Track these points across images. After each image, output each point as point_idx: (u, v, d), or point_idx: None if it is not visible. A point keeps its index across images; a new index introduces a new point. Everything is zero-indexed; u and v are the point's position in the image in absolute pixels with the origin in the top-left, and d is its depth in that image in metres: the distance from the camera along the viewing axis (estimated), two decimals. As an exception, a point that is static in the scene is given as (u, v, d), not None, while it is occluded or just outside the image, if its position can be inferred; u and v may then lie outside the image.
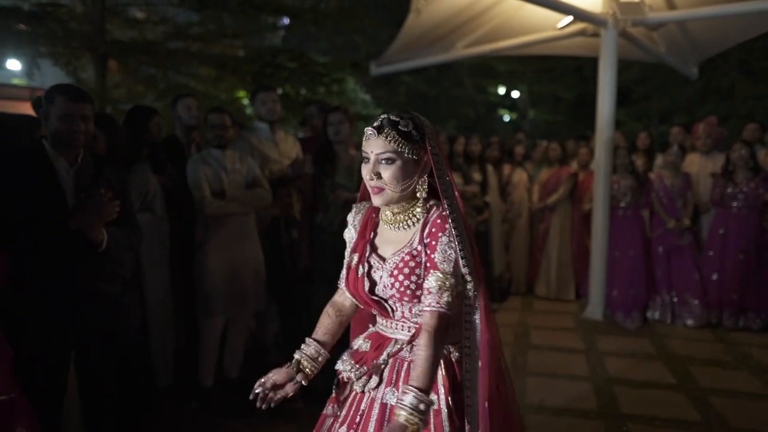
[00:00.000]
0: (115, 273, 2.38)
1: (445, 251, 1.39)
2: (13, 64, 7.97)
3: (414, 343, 1.46)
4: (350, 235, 1.58)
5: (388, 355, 1.49)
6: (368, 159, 1.43)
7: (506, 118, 16.62)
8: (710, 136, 5.06)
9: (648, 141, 5.47)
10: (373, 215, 1.56)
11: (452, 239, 1.39)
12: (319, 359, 1.53)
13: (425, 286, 1.39)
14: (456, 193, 1.46)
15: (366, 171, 1.44)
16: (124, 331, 2.47)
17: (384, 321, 1.54)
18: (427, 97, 14.93)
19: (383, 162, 1.40)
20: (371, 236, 1.53)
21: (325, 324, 1.59)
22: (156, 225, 3.14)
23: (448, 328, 1.39)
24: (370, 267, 1.49)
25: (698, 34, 5.70)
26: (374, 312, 1.53)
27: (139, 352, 2.94)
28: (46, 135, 2.13)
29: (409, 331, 1.49)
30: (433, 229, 1.41)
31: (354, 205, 1.62)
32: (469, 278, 1.42)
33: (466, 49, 5.76)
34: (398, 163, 1.39)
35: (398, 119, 1.42)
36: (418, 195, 1.45)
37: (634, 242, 4.87)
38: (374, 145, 1.41)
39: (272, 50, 7.82)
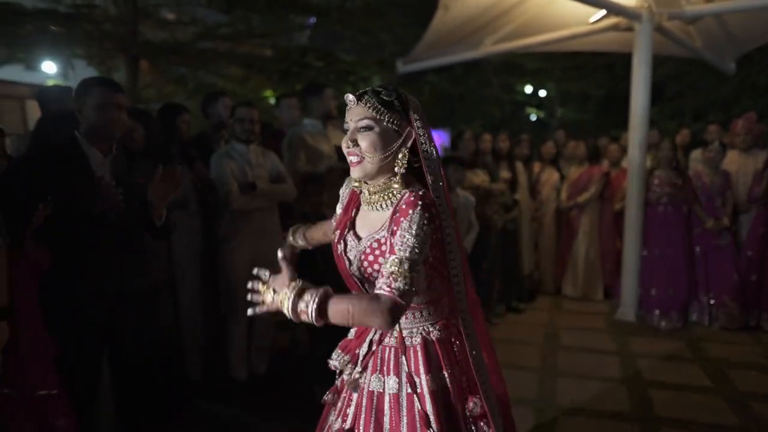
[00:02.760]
0: (149, 268, 2.43)
1: (404, 236, 1.30)
2: (49, 66, 8.16)
3: (396, 328, 1.45)
4: (338, 209, 1.57)
5: (370, 342, 1.49)
6: (348, 129, 1.41)
7: (533, 117, 16.41)
8: (750, 132, 4.89)
9: (688, 138, 5.32)
10: (357, 193, 1.53)
11: (413, 224, 1.30)
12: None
13: (382, 268, 1.32)
14: (442, 171, 1.44)
15: (344, 140, 1.41)
16: (157, 325, 2.52)
17: None
18: (452, 97, 14.83)
19: (361, 130, 1.37)
20: (354, 213, 1.50)
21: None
22: (188, 221, 3.18)
23: (398, 317, 1.28)
24: (346, 245, 1.47)
25: (736, 28, 5.53)
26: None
27: (172, 346, 2.99)
28: (79, 128, 2.16)
29: None
30: (396, 215, 1.34)
31: (347, 179, 1.57)
32: (452, 259, 1.41)
33: (495, 46, 5.68)
34: (376, 130, 1.36)
35: (381, 89, 1.40)
36: (396, 170, 1.40)
37: (675, 240, 4.71)
38: (354, 113, 1.38)
39: (299, 49, 7.87)
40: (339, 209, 1.56)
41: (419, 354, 1.43)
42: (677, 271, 4.69)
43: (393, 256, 1.29)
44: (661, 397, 3.33)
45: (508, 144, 5.07)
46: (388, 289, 1.26)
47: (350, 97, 1.38)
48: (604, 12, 4.88)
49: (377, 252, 1.38)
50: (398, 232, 1.31)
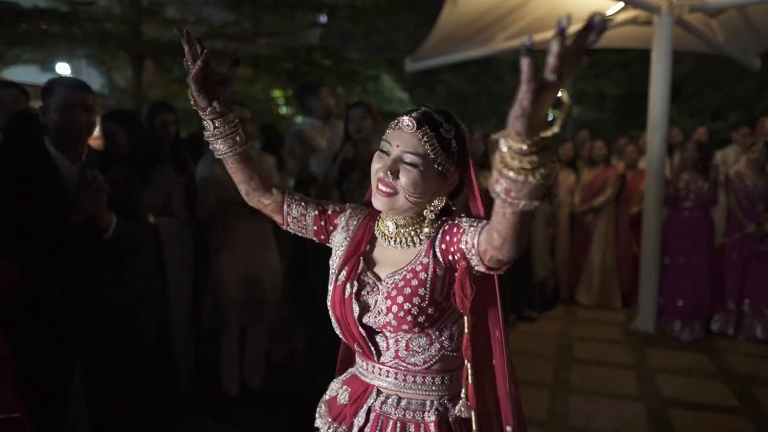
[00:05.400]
0: (127, 278, 2.28)
1: (463, 227, 1.12)
2: (63, 68, 8.08)
3: (402, 395, 1.18)
4: (340, 239, 1.28)
5: (369, 410, 1.20)
6: (388, 152, 1.16)
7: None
8: (779, 131, 4.63)
9: (706, 137, 5.06)
10: (371, 224, 1.27)
11: (462, 220, 1.14)
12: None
13: (464, 244, 1.09)
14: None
15: (381, 165, 1.15)
16: (138, 339, 2.35)
17: (364, 363, 1.24)
18: (467, 95, 14.62)
19: (407, 163, 1.13)
20: (366, 249, 1.24)
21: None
22: (177, 228, 3.01)
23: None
24: (361, 287, 1.19)
25: (761, 21, 5.24)
26: (356, 349, 1.23)
27: (157, 361, 2.82)
28: (48, 133, 2.01)
29: (396, 378, 1.18)
30: (446, 230, 1.16)
31: (349, 205, 1.33)
32: None
33: (506, 42, 5.45)
34: (422, 169, 1.13)
35: (442, 121, 1.15)
36: (425, 213, 1.18)
37: (701, 246, 4.45)
38: (404, 139, 1.14)
39: (306, 48, 7.71)
40: (339, 238, 1.28)
41: None
42: (702, 279, 4.44)
43: (466, 225, 1.11)
44: (682, 417, 3.09)
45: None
46: (480, 224, 1.07)
47: (408, 121, 1.13)
48: (621, 5, 4.64)
49: (414, 282, 1.13)
50: (458, 230, 1.12)
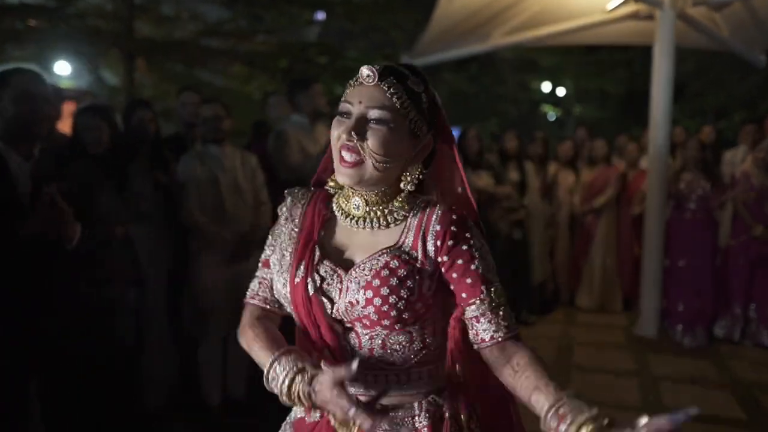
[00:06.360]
0: (100, 287, 2.16)
1: (485, 257, 1.01)
2: (62, 68, 7.96)
3: (386, 402, 1.00)
4: (286, 231, 1.08)
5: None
6: (349, 113, 0.99)
7: (551, 116, 15.96)
8: (786, 129, 4.48)
9: (713, 136, 4.92)
10: (321, 207, 1.09)
11: (476, 245, 1.01)
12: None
13: (470, 314, 0.98)
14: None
15: (342, 128, 0.98)
16: (104, 349, 2.23)
17: None
18: (467, 94, 14.48)
19: (373, 121, 0.97)
20: (321, 235, 1.07)
21: (271, 331, 1.08)
22: (153, 234, 2.88)
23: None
24: (323, 280, 1.02)
25: (766, 15, 5.09)
26: (325, 354, 1.03)
27: (126, 373, 2.68)
28: None
29: (376, 382, 1.01)
30: (454, 228, 0.99)
31: (287, 192, 1.13)
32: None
33: (505, 38, 5.31)
34: (393, 126, 0.97)
35: (407, 72, 1.01)
36: (402, 186, 1.03)
37: (703, 249, 4.30)
38: (366, 94, 0.98)
39: (301, 44, 7.60)
40: (285, 231, 1.08)
41: None
42: (704, 283, 4.29)
43: (485, 287, 0.99)
44: (687, 429, 2.94)
45: (517, 143, 4.70)
46: (506, 329, 0.99)
47: (367, 72, 0.98)
48: (622, -1, 4.50)
49: (402, 272, 0.97)
50: (472, 252, 1.00)
